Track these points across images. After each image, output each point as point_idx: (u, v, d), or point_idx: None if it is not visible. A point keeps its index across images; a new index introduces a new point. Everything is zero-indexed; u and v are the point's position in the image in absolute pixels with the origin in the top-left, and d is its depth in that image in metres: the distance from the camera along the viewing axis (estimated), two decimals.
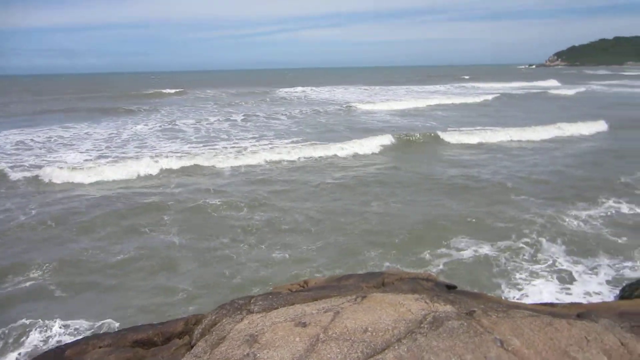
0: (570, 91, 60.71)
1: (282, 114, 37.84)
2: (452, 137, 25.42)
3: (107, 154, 22.59)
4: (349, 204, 14.64)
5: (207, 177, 18.39)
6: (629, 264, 10.24)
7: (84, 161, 20.91)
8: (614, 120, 30.03)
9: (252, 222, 13.17)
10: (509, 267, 10.24)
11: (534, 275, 9.92)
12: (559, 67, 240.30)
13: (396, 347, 3.48)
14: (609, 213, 13.29)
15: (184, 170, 19.08)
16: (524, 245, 11.26)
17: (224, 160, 20.56)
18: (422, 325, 3.78)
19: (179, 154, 22.16)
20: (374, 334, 3.70)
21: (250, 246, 11.68)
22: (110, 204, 15.08)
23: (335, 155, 21.55)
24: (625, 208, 13.64)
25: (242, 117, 35.86)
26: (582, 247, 11.13)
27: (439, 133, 25.88)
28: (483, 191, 15.82)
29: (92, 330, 8.11)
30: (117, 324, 8.20)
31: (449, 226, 12.58)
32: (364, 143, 22.91)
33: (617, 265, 10.19)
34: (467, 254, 10.92)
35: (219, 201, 14.95)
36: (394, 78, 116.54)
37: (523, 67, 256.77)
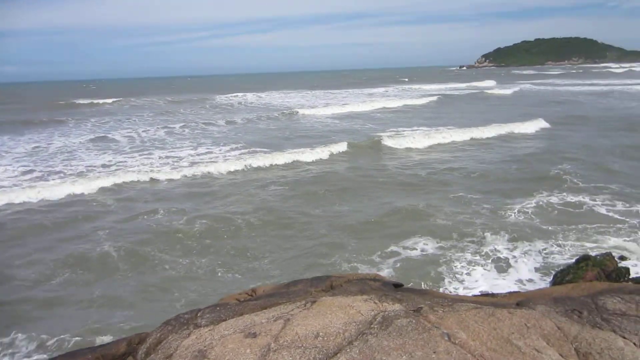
0: (506, 91, 63.41)
1: (222, 121, 37.09)
2: (396, 140, 25.46)
3: (31, 169, 21.21)
4: (294, 209, 14.60)
5: (140, 189, 17.58)
6: (559, 249, 10.94)
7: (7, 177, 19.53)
8: (551, 118, 31.63)
9: (193, 232, 12.80)
10: (454, 260, 10.59)
11: (475, 265, 10.32)
12: (488, 68, 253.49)
13: (348, 350, 3.48)
14: (540, 203, 14.14)
15: (114, 183, 18.10)
16: (468, 238, 11.71)
17: (159, 170, 19.82)
18: (372, 325, 3.81)
19: (111, 167, 21.17)
20: (326, 338, 3.69)
21: (194, 257, 11.34)
22: (37, 219, 14.21)
23: (278, 162, 21.15)
24: (555, 198, 14.56)
25: (180, 125, 34.82)
26: (519, 236, 11.77)
27: (384, 136, 26.09)
28: (428, 189, 16.32)
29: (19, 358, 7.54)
30: (53, 349, 7.68)
31: (397, 225, 12.88)
32: (307, 149, 22.78)
33: (548, 251, 10.85)
34: (414, 250, 11.20)
35: (156, 213, 14.43)
36: (335, 82, 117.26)
37: (454, 68, 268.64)
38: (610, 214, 13.13)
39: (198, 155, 23.52)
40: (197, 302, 8.56)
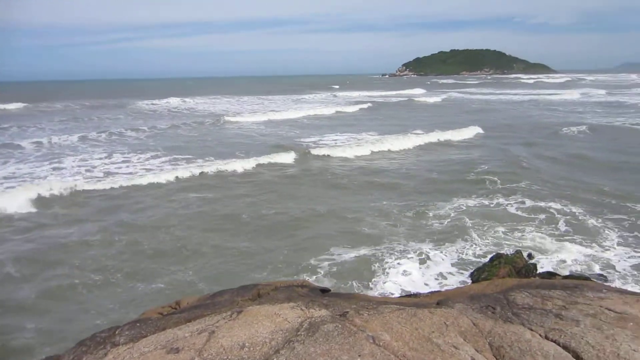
0: (436, 98, 66.41)
1: (143, 127, 35.35)
2: (331, 149, 24.99)
3: None
4: (216, 219, 14.28)
5: (46, 202, 16.21)
6: (475, 247, 11.66)
7: None
8: (484, 125, 33.39)
9: (110, 245, 12.12)
10: (382, 262, 10.88)
11: (402, 266, 10.70)
12: (408, 76, 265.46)
13: (275, 359, 3.45)
14: (460, 206, 14.97)
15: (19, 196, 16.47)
16: (394, 241, 12.11)
17: (67, 181, 18.40)
18: (299, 332, 3.81)
19: (14, 178, 19.46)
20: (252, 349, 3.63)
21: (110, 272, 10.72)
22: None
23: (199, 170, 20.22)
24: (471, 202, 15.48)
25: (97, 132, 32.80)
26: (442, 237, 12.39)
27: (313, 143, 26.01)
28: (356, 196, 16.65)
29: None
30: None
31: (325, 230, 13.03)
32: (232, 158, 22.35)
33: (466, 250, 11.51)
34: (343, 255, 11.39)
35: (66, 229, 13.50)
36: (263, 88, 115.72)
37: (377, 76, 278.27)
38: (519, 212, 14.19)
39: (114, 164, 22.29)
40: (117, 320, 8.10)
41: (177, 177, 19.26)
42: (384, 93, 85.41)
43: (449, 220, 13.83)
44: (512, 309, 4.57)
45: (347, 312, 4.18)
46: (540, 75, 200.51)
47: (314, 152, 24.55)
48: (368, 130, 33.01)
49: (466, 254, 11.41)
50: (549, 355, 3.58)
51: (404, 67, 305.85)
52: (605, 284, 8.67)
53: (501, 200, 15.60)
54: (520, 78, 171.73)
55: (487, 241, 12.14)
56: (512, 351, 3.65)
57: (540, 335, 3.89)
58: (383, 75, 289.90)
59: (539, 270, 9.91)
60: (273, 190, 17.55)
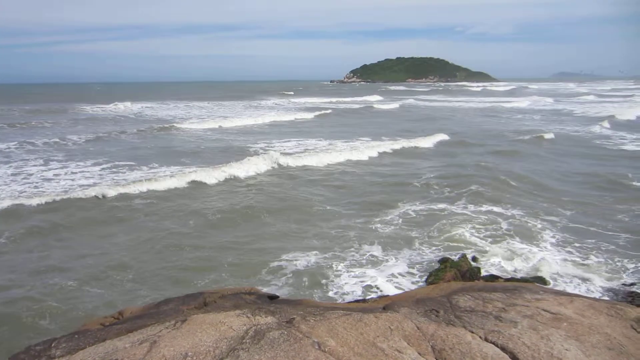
0: (394, 105, 67.00)
1: (85, 134, 32.59)
2: (294, 158, 24.16)
3: None
4: (161, 228, 13.90)
5: None
6: (423, 251, 11.96)
7: None
8: (450, 131, 34.04)
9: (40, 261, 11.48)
10: (332, 269, 10.92)
11: (353, 271, 10.78)
12: (356, 83, 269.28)
13: None
14: (405, 213, 15.31)
15: None
16: (345, 248, 12.21)
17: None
18: (244, 340, 3.75)
19: None
20: (195, 358, 3.54)
21: (51, 277, 10.21)
22: None
23: (146, 178, 19.02)
24: (416, 208, 15.89)
25: (39, 139, 30.62)
26: (390, 242, 12.61)
27: (273, 151, 24.58)
28: (306, 203, 16.64)
29: None
30: None
31: (276, 239, 12.97)
32: (182, 167, 21.59)
33: (418, 254, 11.78)
34: (293, 262, 11.35)
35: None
36: (215, 93, 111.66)
37: (327, 82, 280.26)
38: (467, 215, 14.66)
39: (51, 170, 21.12)
40: (54, 332, 7.72)
41: (123, 186, 18.42)
42: (340, 99, 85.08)
43: (400, 224, 14.12)
44: (454, 312, 4.70)
45: (294, 318, 4.16)
46: (485, 83, 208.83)
47: (283, 161, 23.25)
48: (333, 138, 32.54)
49: (415, 258, 11.65)
50: (488, 356, 3.70)
51: (352, 74, 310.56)
52: (543, 285, 9.10)
53: (448, 204, 16.07)
54: (466, 86, 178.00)
55: (435, 246, 12.45)
56: (453, 354, 3.74)
57: (480, 337, 4.02)
58: (331, 81, 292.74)
59: (484, 273, 10.28)
60: (224, 198, 17.27)
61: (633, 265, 11.20)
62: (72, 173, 20.76)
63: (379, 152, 26.82)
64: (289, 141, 31.40)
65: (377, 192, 18.10)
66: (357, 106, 67.31)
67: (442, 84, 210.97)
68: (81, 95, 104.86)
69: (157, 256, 11.70)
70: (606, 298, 9.42)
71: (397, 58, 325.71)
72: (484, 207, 15.59)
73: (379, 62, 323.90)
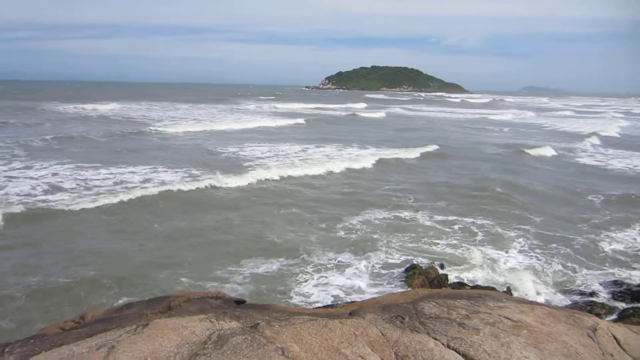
0: (380, 114, 66.11)
1: (49, 136, 30.02)
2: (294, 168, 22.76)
3: None
4: (129, 228, 13.61)
5: None
6: (391, 257, 12.06)
7: None
8: (442, 143, 33.47)
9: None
10: (299, 274, 10.92)
11: (319, 277, 10.80)
12: (333, 89, 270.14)
13: None
14: (370, 218, 15.42)
15: None
16: (311, 253, 12.20)
17: None
18: (206, 346, 3.69)
19: None
20: None
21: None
22: None
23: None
24: (381, 213, 16.04)
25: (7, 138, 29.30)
26: (359, 248, 12.70)
27: (264, 163, 23.31)
28: (278, 212, 16.57)
29: None
30: None
31: (241, 242, 12.87)
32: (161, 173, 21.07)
33: (387, 260, 11.87)
34: (260, 267, 11.29)
35: None
36: (194, 95, 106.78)
37: (303, 88, 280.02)
38: (435, 224, 14.88)
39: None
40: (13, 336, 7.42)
41: (94, 192, 17.98)
42: (324, 105, 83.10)
43: (369, 231, 14.21)
44: (419, 319, 4.74)
45: (259, 323, 4.12)
46: (462, 95, 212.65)
47: (269, 174, 21.55)
48: (332, 145, 31.50)
49: (383, 265, 11.73)
50: None
51: (327, 81, 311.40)
52: (507, 293, 9.29)
53: (412, 213, 16.24)
54: (445, 97, 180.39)
55: (402, 252, 12.56)
56: None
57: (442, 344, 4.06)
58: (306, 87, 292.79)
59: (451, 280, 10.44)
60: (193, 202, 16.99)
61: (592, 275, 11.57)
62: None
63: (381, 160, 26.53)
64: (289, 147, 30.53)
65: (351, 199, 18.20)
66: (343, 113, 66.12)
67: (424, 94, 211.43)
68: (49, 93, 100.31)
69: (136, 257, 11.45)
70: (566, 306, 9.70)
71: (372, 66, 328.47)
72: (450, 217, 15.81)
73: (354, 69, 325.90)
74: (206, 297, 5.56)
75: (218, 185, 19.14)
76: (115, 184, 18.50)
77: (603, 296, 10.43)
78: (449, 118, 67.44)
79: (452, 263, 11.82)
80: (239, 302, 5.69)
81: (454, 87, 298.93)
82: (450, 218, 15.63)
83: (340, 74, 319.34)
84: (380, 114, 66.25)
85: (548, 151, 32.40)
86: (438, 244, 13.26)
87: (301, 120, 49.67)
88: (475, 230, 14.43)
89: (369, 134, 41.29)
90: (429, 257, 11.99)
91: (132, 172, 20.62)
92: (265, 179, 20.68)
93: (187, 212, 15.53)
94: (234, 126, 43.06)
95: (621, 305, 9.91)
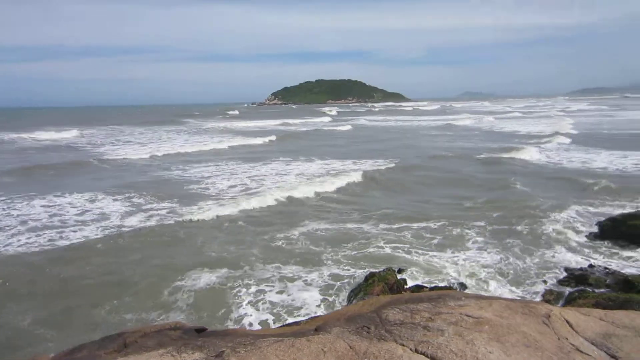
0: (346, 127, 65.81)
1: None
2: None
3: None
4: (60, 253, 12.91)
5: None
6: (342, 267, 12.12)
7: None
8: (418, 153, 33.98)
9: None
10: (251, 292, 10.71)
11: (272, 292, 10.65)
12: (278, 105, 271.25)
13: None
14: (311, 230, 15.41)
15: None
16: (256, 268, 12.06)
17: None
18: None
19: None
20: None
21: None
22: None
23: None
24: (324, 225, 16.07)
25: None
26: (305, 259, 12.66)
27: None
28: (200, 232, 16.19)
29: None
30: None
31: (178, 261, 12.54)
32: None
33: (337, 271, 11.88)
34: (204, 284, 11.01)
35: None
36: (137, 118, 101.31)
37: (250, 104, 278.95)
38: (384, 231, 15.11)
39: None
40: None
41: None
42: (288, 121, 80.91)
43: (316, 242, 14.20)
44: (385, 327, 4.76)
45: (223, 351, 3.98)
46: (410, 103, 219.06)
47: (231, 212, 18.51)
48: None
49: (341, 275, 11.74)
50: None
51: (273, 96, 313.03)
52: (465, 291, 9.57)
53: (362, 222, 16.41)
54: (397, 105, 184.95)
55: (359, 262, 12.64)
56: None
57: (410, 349, 4.09)
58: (252, 104, 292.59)
59: (409, 284, 10.61)
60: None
61: (541, 263, 12.15)
62: None
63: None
64: (287, 165, 29.55)
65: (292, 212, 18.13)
66: (309, 128, 64.72)
67: (379, 105, 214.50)
68: None
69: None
70: (520, 296, 10.10)
71: (317, 80, 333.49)
72: (413, 224, 16.08)
73: (299, 84, 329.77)
74: (164, 329, 5.31)
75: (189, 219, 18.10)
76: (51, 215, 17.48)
77: (551, 283, 10.96)
78: (419, 126, 67.79)
79: (408, 267, 12.02)
80: (200, 330, 5.48)
81: (397, 97, 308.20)
82: (412, 224, 15.93)
83: (285, 89, 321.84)
84: (346, 127, 65.43)
85: (531, 154, 32.32)
86: (390, 249, 13.48)
87: (273, 137, 48.25)
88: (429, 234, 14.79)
89: (360, 145, 41.57)
90: (383, 264, 12.10)
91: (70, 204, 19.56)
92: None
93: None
94: (204, 147, 41.18)
95: (567, 289, 10.43)
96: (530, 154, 32.21)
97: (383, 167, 27.14)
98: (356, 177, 23.49)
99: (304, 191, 20.55)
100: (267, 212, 17.89)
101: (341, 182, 22.49)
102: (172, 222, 16.57)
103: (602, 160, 29.12)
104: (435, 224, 15.57)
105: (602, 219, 14.84)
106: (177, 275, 11.61)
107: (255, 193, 20.93)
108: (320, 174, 25.63)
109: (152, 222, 16.54)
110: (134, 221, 16.65)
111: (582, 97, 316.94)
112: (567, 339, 4.92)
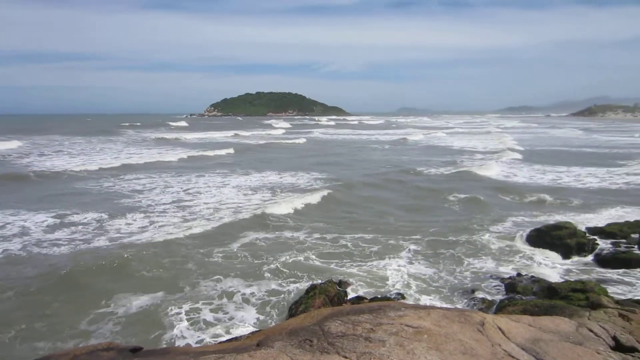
0: (300, 139, 64.26)
1: None
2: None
3: None
4: None
5: None
6: (280, 279, 12.05)
7: None
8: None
9: None
10: (186, 308, 10.34)
11: (211, 307, 10.35)
12: (217, 116, 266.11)
13: None
14: (251, 242, 15.28)
15: None
16: (194, 283, 11.71)
17: None
18: None
19: None
20: None
21: None
22: None
23: None
24: (262, 236, 16.01)
25: None
26: (245, 273, 12.48)
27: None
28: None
29: None
30: None
31: (103, 282, 11.88)
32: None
33: (278, 284, 11.77)
34: (135, 305, 10.52)
35: None
36: (75, 127, 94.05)
37: (185, 116, 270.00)
38: (322, 242, 15.22)
39: None
40: None
41: None
42: (239, 133, 78.06)
43: (239, 255, 14.04)
44: (327, 339, 4.77)
45: None
46: (357, 117, 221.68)
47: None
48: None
49: (278, 287, 11.65)
50: None
51: (212, 108, 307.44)
52: (404, 301, 9.79)
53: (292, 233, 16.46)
54: (341, 119, 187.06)
55: (298, 275, 12.58)
56: None
57: None
58: (191, 115, 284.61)
59: (350, 296, 10.71)
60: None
61: (474, 273, 12.72)
62: None
63: None
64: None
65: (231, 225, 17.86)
66: (263, 141, 61.72)
67: (325, 118, 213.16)
68: None
69: None
70: (456, 305, 10.49)
71: (257, 92, 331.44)
72: (355, 234, 16.27)
73: (239, 96, 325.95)
74: (96, 350, 5.02)
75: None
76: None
77: (483, 292, 11.48)
78: (379, 140, 66.83)
79: (349, 278, 12.14)
80: (136, 350, 5.22)
81: (336, 110, 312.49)
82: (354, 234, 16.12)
83: (225, 100, 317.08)
84: (301, 140, 64.01)
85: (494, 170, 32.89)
86: (325, 261, 13.57)
87: (231, 150, 46.52)
88: (367, 245, 15.05)
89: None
90: (321, 276, 12.16)
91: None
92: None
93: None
94: (166, 158, 39.59)
95: (498, 297, 10.96)
96: (493, 170, 32.57)
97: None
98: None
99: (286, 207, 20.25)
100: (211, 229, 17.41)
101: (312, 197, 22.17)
102: (100, 239, 15.73)
103: (543, 175, 30.93)
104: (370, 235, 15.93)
105: (530, 229, 15.79)
106: (102, 299, 10.96)
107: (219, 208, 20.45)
108: (292, 186, 25.76)
109: (78, 238, 15.64)
110: (52, 238, 15.63)
111: (511, 115, 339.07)
112: (500, 345, 5.17)
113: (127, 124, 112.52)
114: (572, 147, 53.25)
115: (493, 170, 32.56)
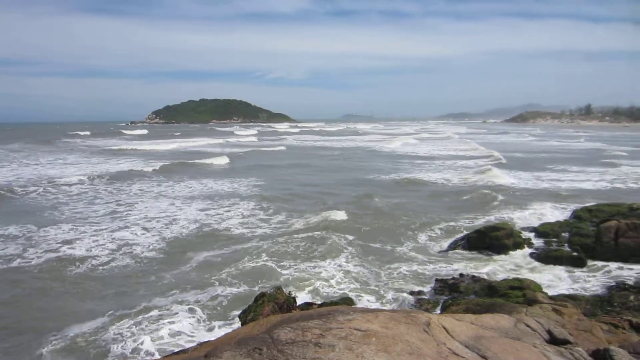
0: (280, 147, 62.30)
1: None
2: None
3: None
4: None
5: None
6: (229, 288, 11.90)
7: None
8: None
9: None
10: (135, 320, 10.00)
11: (162, 319, 10.05)
12: (160, 124, 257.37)
13: None
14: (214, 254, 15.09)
15: None
16: (143, 298, 11.31)
17: None
18: None
19: None
20: None
21: None
22: None
23: None
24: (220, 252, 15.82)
25: None
26: (197, 284, 12.25)
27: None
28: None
29: None
30: None
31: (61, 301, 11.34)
32: None
33: (228, 292, 11.61)
34: (85, 323, 10.07)
35: None
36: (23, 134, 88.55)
37: (124, 124, 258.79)
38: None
39: None
40: None
41: None
42: (210, 141, 73.55)
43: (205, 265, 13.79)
44: (277, 347, 4.73)
45: None
46: (314, 124, 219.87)
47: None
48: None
49: (227, 297, 11.48)
50: None
51: (154, 115, 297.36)
52: (352, 305, 9.90)
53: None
54: (303, 126, 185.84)
55: (241, 282, 12.45)
56: None
57: None
58: (132, 123, 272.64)
59: (299, 302, 10.68)
60: None
61: (418, 274, 13.07)
62: None
63: None
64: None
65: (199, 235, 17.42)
66: (244, 149, 57.71)
67: (278, 125, 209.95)
68: None
69: None
70: (402, 306, 10.73)
71: (201, 99, 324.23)
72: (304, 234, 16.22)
73: (182, 102, 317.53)
74: None
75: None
76: None
77: (428, 293, 11.82)
78: (361, 147, 65.82)
79: (294, 285, 12.14)
80: None
81: (282, 117, 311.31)
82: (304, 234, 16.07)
83: (168, 107, 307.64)
84: (279, 148, 61.91)
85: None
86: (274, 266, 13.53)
87: (226, 159, 44.21)
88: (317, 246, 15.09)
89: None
90: (266, 282, 12.11)
91: None
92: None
93: None
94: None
95: (442, 297, 11.33)
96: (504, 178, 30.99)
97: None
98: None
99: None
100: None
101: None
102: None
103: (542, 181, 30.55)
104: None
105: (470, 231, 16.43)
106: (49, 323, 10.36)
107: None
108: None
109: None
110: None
111: (453, 121, 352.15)
112: (444, 344, 5.33)
113: (72, 132, 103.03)
114: (544, 153, 53.47)
115: (505, 179, 30.73)
